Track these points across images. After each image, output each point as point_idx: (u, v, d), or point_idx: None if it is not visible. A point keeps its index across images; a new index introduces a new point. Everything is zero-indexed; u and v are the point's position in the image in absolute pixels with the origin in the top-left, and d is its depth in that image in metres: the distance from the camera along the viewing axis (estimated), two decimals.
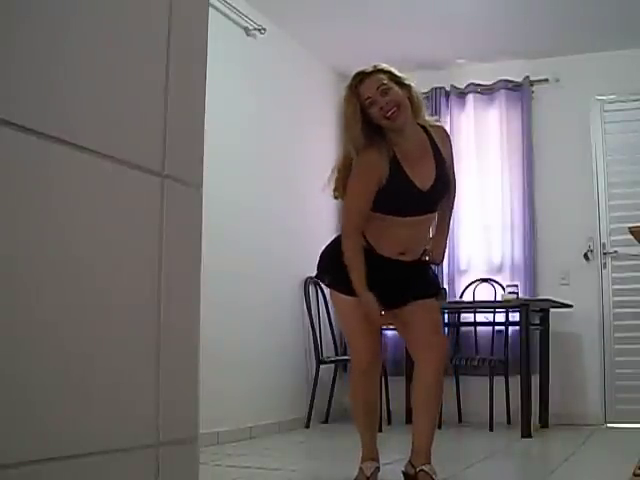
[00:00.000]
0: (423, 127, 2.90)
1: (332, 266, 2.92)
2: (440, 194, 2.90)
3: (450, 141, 3.04)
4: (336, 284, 2.93)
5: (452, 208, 3.17)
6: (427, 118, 2.94)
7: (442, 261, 3.17)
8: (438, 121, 3.14)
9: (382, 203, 2.80)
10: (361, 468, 2.91)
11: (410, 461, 2.90)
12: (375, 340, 2.97)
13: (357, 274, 2.78)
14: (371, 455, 2.94)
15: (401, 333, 3.12)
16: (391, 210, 2.83)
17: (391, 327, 3.50)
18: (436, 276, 3.18)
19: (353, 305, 2.83)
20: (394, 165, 2.77)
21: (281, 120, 5.22)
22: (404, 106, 2.74)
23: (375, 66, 2.80)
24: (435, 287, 3.10)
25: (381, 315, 2.82)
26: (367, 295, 2.76)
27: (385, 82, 2.74)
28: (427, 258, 3.01)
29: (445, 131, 3.06)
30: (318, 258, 3.03)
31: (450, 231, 3.23)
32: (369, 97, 2.72)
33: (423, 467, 2.81)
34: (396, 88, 2.75)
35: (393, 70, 2.81)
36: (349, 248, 2.81)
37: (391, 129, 2.76)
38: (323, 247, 3.03)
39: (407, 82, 2.80)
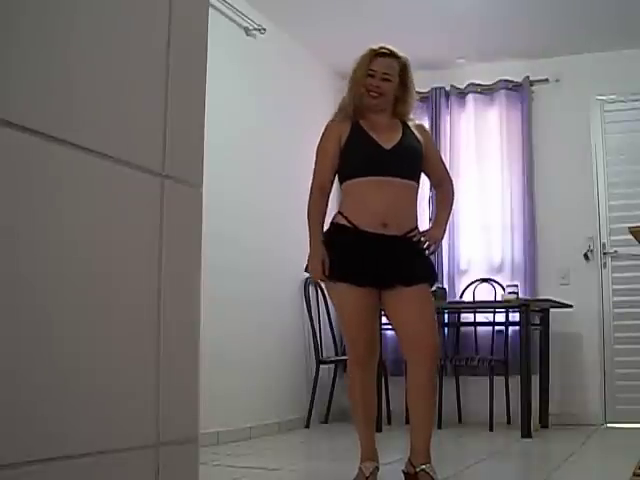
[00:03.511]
0: (402, 122, 3.09)
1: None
2: (407, 158, 2.99)
3: (429, 135, 3.28)
4: (328, 273, 2.92)
5: (451, 202, 3.22)
6: (410, 118, 3.15)
7: (437, 247, 3.11)
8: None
9: (350, 164, 2.97)
10: (360, 468, 2.91)
11: (410, 460, 2.91)
12: (371, 331, 2.96)
13: (312, 223, 2.96)
14: (370, 455, 2.94)
15: (392, 324, 3.03)
16: (359, 169, 2.95)
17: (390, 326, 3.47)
18: (432, 264, 3.13)
19: (348, 294, 2.88)
20: (355, 127, 2.98)
21: (281, 120, 5.22)
22: (385, 100, 3.01)
23: (396, 52, 3.02)
24: (427, 271, 3.03)
25: (324, 274, 2.89)
26: (317, 247, 2.91)
27: (392, 73, 2.98)
28: (422, 239, 2.99)
29: (424, 127, 3.27)
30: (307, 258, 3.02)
31: (450, 228, 3.26)
32: (374, 71, 2.97)
33: (423, 467, 2.82)
34: (395, 83, 3.00)
35: (408, 66, 3.05)
36: (309, 205, 2.99)
37: (368, 104, 2.99)
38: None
39: (408, 84, 3.05)
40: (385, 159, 2.94)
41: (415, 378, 2.89)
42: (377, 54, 2.99)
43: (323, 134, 3.06)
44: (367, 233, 2.88)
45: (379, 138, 2.97)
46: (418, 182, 3.04)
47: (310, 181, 3.05)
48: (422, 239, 2.99)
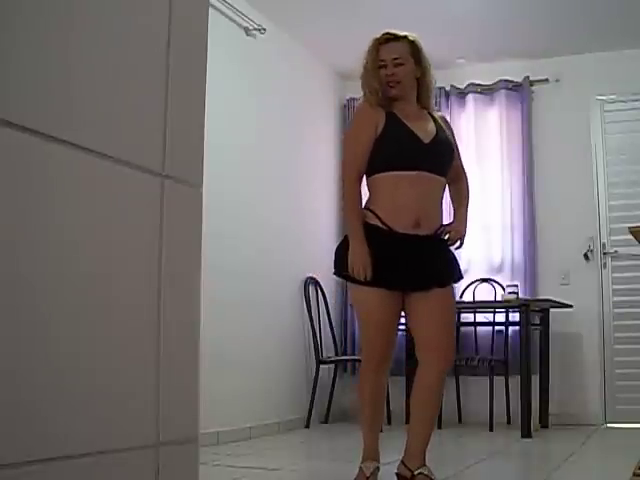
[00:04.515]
0: (429, 113, 2.98)
1: (341, 258, 2.85)
2: (443, 153, 2.90)
3: (451, 128, 3.10)
4: (346, 275, 2.83)
5: (468, 196, 3.16)
6: (433, 108, 3.03)
7: (463, 241, 3.01)
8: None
9: (386, 156, 2.81)
10: (361, 468, 2.89)
11: (403, 462, 2.86)
12: (392, 335, 2.90)
13: (354, 223, 2.78)
14: (372, 455, 2.91)
15: (411, 324, 2.95)
16: (396, 161, 2.80)
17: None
18: (458, 263, 3.06)
19: (376, 297, 2.78)
20: (391, 116, 2.83)
21: (281, 120, 5.22)
22: (403, 85, 2.86)
23: (405, 35, 2.91)
24: (458, 270, 3.00)
25: (369, 270, 2.72)
26: (362, 244, 2.74)
27: (403, 56, 2.86)
28: (447, 236, 2.91)
29: (446, 119, 3.14)
30: (334, 257, 2.94)
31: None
32: (383, 60, 2.85)
33: (421, 470, 2.79)
34: (410, 65, 2.87)
35: (418, 44, 2.93)
36: (349, 201, 2.82)
37: (388, 95, 2.85)
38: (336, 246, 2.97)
39: (424, 64, 2.93)
40: (423, 154, 2.81)
41: (425, 379, 2.84)
42: (382, 42, 2.88)
43: (355, 119, 2.92)
44: (401, 234, 2.78)
45: (416, 130, 2.83)
46: (447, 178, 2.95)
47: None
48: (450, 235, 2.92)
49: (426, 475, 2.78)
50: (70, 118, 0.82)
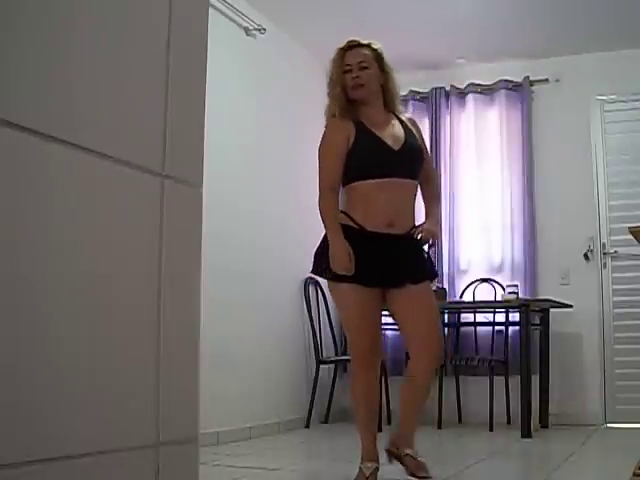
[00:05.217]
0: (396, 116, 3.10)
1: (320, 257, 2.98)
2: (412, 158, 3.02)
3: (420, 130, 3.23)
4: (326, 273, 2.96)
5: (439, 196, 3.32)
6: (401, 110, 3.18)
7: (435, 240, 3.09)
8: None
9: (358, 166, 2.93)
10: (360, 468, 2.91)
11: (392, 442, 3.05)
12: (375, 331, 2.98)
13: (331, 221, 2.90)
14: (371, 455, 2.94)
15: (398, 322, 3.09)
16: (368, 171, 2.93)
17: (391, 326, 3.51)
18: (432, 260, 3.22)
19: (354, 294, 2.89)
20: (360, 127, 2.95)
21: (281, 120, 5.22)
22: (367, 88, 2.99)
23: (369, 42, 3.05)
24: (432, 267, 3.15)
25: (349, 261, 2.84)
26: (341, 241, 2.85)
27: (367, 60, 2.99)
28: (420, 236, 2.99)
29: (415, 121, 3.25)
30: (312, 259, 3.04)
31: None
32: (349, 65, 2.98)
33: (408, 452, 2.98)
34: (374, 70, 3.00)
35: (381, 53, 3.06)
36: (324, 206, 2.94)
37: (354, 98, 2.99)
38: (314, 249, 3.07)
39: (387, 70, 3.06)
40: (394, 161, 2.94)
41: (413, 374, 2.98)
42: (346, 49, 3.01)
43: (327, 132, 3.01)
44: (373, 233, 2.90)
45: (385, 138, 2.96)
46: (418, 180, 3.07)
47: (315, 182, 2.99)
48: (422, 235, 2.99)
49: (413, 457, 2.97)
50: (70, 118, 0.82)
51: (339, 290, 2.95)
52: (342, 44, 3.03)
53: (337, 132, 2.96)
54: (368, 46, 3.02)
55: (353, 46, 3.01)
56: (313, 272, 3.07)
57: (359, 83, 2.96)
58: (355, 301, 2.89)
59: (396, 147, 2.96)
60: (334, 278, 2.92)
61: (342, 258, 2.84)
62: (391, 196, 2.91)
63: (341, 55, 3.00)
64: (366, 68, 2.97)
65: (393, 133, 3.00)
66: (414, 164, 3.03)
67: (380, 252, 2.90)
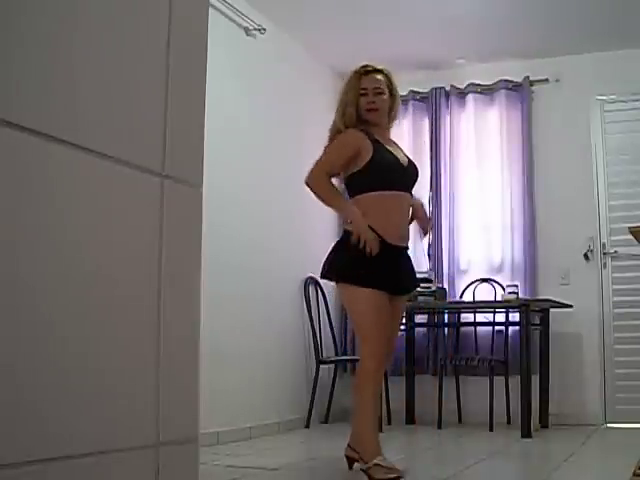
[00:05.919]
0: None
1: (338, 262, 3.15)
2: (413, 173, 3.31)
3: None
4: (346, 277, 3.12)
5: None
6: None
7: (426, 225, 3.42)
8: None
9: (377, 178, 3.14)
10: (377, 463, 2.92)
11: (350, 445, 3.15)
12: (388, 330, 3.13)
13: (338, 196, 3.21)
14: (379, 451, 2.99)
15: None
16: (385, 183, 3.15)
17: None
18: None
19: (366, 296, 3.04)
20: (376, 143, 3.18)
21: (281, 120, 5.22)
22: (382, 111, 3.25)
23: (382, 68, 3.29)
24: (417, 280, 3.50)
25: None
26: (354, 210, 3.09)
27: (382, 87, 3.23)
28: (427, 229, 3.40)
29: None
30: (322, 264, 3.20)
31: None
32: (365, 89, 3.21)
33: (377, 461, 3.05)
34: (386, 95, 3.24)
35: (393, 79, 3.31)
36: (322, 185, 3.17)
37: (367, 120, 3.21)
38: (325, 255, 3.25)
39: (395, 94, 3.31)
40: (404, 175, 3.23)
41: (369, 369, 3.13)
42: (363, 73, 3.22)
43: (346, 135, 3.18)
44: (390, 245, 3.12)
45: (396, 155, 3.23)
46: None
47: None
48: (428, 227, 3.42)
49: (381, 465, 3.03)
50: (70, 118, 0.82)
51: (360, 293, 3.06)
52: (357, 66, 3.25)
53: (352, 141, 3.17)
54: (381, 71, 3.26)
55: (369, 71, 3.23)
56: (331, 278, 3.24)
57: (374, 108, 3.19)
58: (376, 304, 3.05)
59: (405, 163, 3.25)
60: (343, 281, 3.12)
61: (364, 224, 3.05)
62: (401, 209, 3.19)
63: (357, 79, 3.22)
64: (381, 94, 3.21)
65: (398, 151, 3.30)
66: (415, 179, 3.32)
67: (395, 262, 3.15)
